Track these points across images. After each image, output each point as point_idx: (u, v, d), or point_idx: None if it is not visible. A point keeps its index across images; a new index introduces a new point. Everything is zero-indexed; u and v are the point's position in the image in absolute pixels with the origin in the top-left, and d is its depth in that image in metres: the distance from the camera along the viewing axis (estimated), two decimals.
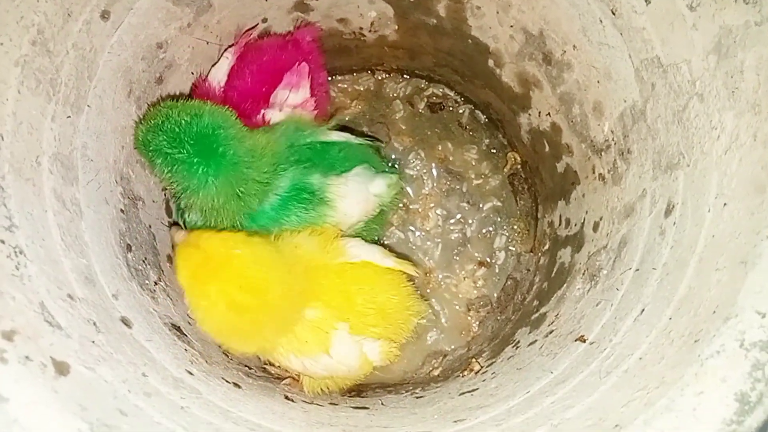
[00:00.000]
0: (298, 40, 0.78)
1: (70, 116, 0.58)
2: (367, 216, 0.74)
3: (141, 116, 0.66)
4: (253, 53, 0.75)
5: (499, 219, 0.91)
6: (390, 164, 0.87)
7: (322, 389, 0.69)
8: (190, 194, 0.63)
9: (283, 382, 0.70)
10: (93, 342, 0.49)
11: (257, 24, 0.77)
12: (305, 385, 0.68)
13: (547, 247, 0.84)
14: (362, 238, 0.72)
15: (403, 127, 0.93)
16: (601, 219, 0.69)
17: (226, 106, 0.66)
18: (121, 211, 0.64)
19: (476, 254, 0.90)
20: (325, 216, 0.67)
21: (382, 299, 0.66)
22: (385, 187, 0.74)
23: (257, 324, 0.59)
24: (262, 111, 0.72)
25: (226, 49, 0.75)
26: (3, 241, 0.47)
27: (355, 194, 0.70)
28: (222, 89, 0.73)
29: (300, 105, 0.75)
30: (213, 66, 0.75)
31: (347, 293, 0.64)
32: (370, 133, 0.91)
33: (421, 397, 0.70)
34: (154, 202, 0.72)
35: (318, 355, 0.63)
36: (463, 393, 0.65)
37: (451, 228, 0.90)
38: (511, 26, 0.73)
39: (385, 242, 0.89)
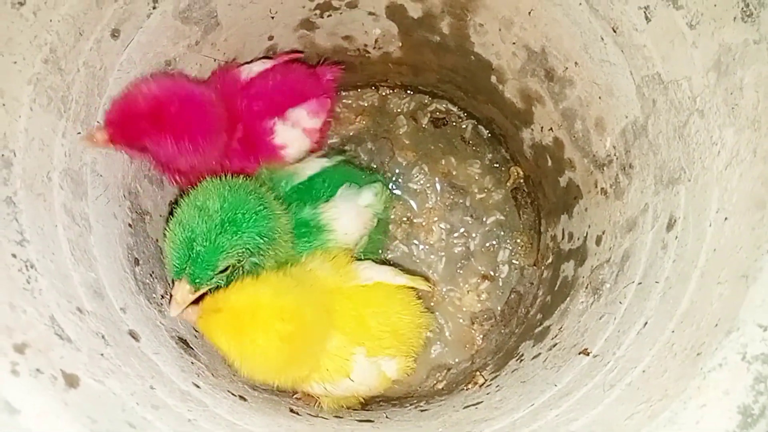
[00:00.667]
0: (319, 75, 0.81)
1: (80, 132, 0.59)
2: (368, 228, 0.75)
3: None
4: (284, 69, 0.78)
5: (502, 233, 0.91)
6: (370, 173, 0.87)
7: (341, 406, 0.70)
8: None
9: (295, 396, 0.70)
10: (102, 355, 0.50)
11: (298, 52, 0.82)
12: (324, 404, 0.69)
13: (550, 260, 0.85)
14: (372, 253, 0.74)
15: (407, 142, 0.94)
16: (603, 233, 0.70)
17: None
18: (129, 225, 0.65)
19: (480, 268, 0.90)
20: (328, 241, 0.69)
21: (394, 319, 0.67)
22: (372, 197, 0.75)
23: (304, 347, 0.60)
24: (275, 120, 0.74)
25: (261, 59, 0.79)
26: (14, 255, 0.48)
27: (347, 212, 0.71)
28: (246, 82, 0.74)
29: (308, 131, 0.77)
30: (245, 64, 0.77)
31: (361, 317, 0.65)
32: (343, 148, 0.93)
33: (425, 410, 0.70)
34: (161, 216, 0.73)
35: (340, 381, 0.64)
36: (468, 406, 0.66)
37: (455, 242, 0.91)
38: (514, 43, 0.74)
39: (389, 256, 0.89)
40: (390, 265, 0.79)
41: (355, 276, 0.67)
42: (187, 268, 0.58)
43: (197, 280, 0.58)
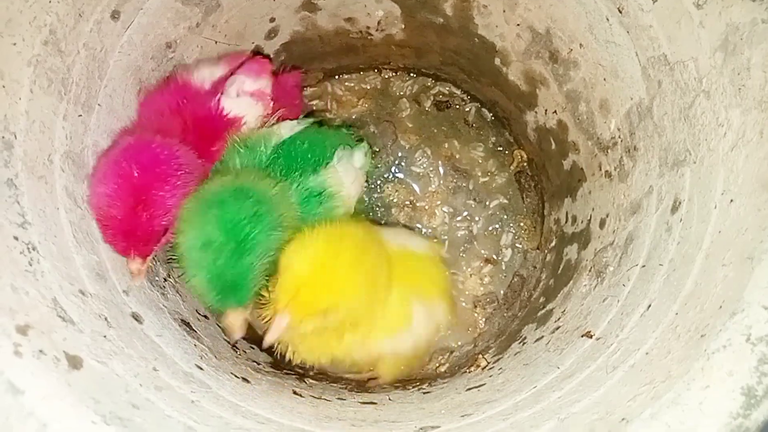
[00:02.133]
0: (282, 83, 0.78)
1: (81, 115, 0.58)
2: (362, 190, 0.76)
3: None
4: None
5: (505, 216, 0.91)
6: (346, 131, 0.86)
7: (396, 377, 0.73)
8: None
9: (365, 375, 0.73)
10: (105, 337, 0.50)
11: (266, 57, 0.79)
12: (384, 374, 0.72)
13: (553, 244, 0.84)
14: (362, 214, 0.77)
15: (410, 126, 0.93)
16: (607, 216, 0.70)
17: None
18: None
19: (483, 251, 0.90)
20: (335, 207, 0.68)
21: (432, 272, 0.74)
22: (364, 158, 0.75)
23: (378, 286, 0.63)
24: (217, 97, 0.69)
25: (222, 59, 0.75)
26: (16, 238, 0.48)
27: (348, 176, 0.71)
28: (208, 89, 0.70)
29: (257, 94, 0.71)
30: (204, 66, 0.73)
31: (408, 272, 0.69)
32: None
33: (428, 392, 0.71)
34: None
35: (402, 334, 0.67)
36: (470, 388, 0.66)
37: (458, 225, 0.90)
38: (518, 25, 0.73)
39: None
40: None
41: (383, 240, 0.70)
42: (230, 299, 0.57)
43: (245, 302, 0.57)
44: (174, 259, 0.59)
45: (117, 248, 0.57)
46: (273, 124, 0.72)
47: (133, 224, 0.56)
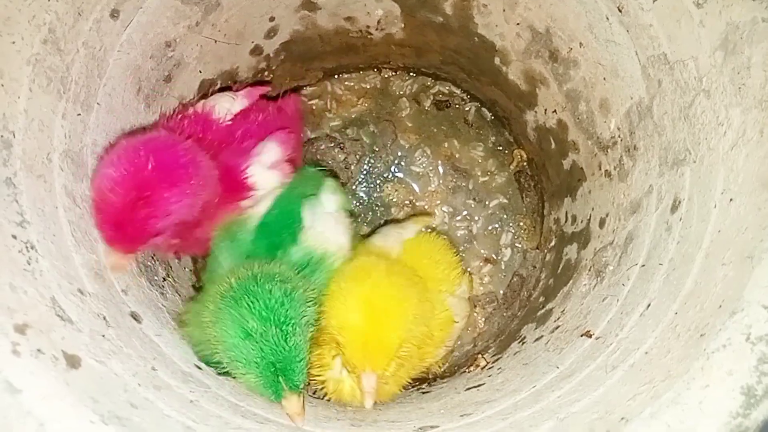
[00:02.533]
0: (283, 108, 0.78)
1: (80, 114, 0.58)
2: (350, 227, 0.72)
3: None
4: (255, 107, 0.74)
5: (505, 216, 0.91)
6: (312, 170, 0.80)
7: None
8: None
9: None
10: (103, 336, 0.50)
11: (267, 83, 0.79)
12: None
13: (553, 243, 0.84)
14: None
15: (410, 125, 0.93)
16: (607, 215, 0.69)
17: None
18: None
19: (482, 251, 0.90)
20: (332, 264, 0.66)
21: (438, 257, 0.75)
22: (334, 197, 0.73)
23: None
24: (249, 161, 0.68)
25: (234, 90, 0.76)
26: (15, 237, 0.48)
27: (327, 227, 0.69)
28: (227, 124, 0.70)
29: (283, 166, 0.71)
30: (216, 96, 0.73)
31: (423, 268, 0.70)
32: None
33: (427, 392, 0.71)
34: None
35: (451, 330, 0.70)
36: (470, 388, 0.66)
37: (458, 225, 0.90)
38: (518, 24, 0.73)
39: None
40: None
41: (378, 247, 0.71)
42: (284, 386, 0.54)
43: (299, 386, 0.55)
44: (221, 369, 0.58)
45: (104, 236, 0.55)
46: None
47: (128, 217, 0.54)
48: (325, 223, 0.68)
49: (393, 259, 0.69)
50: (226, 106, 0.71)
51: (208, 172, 0.61)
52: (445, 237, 0.86)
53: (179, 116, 0.70)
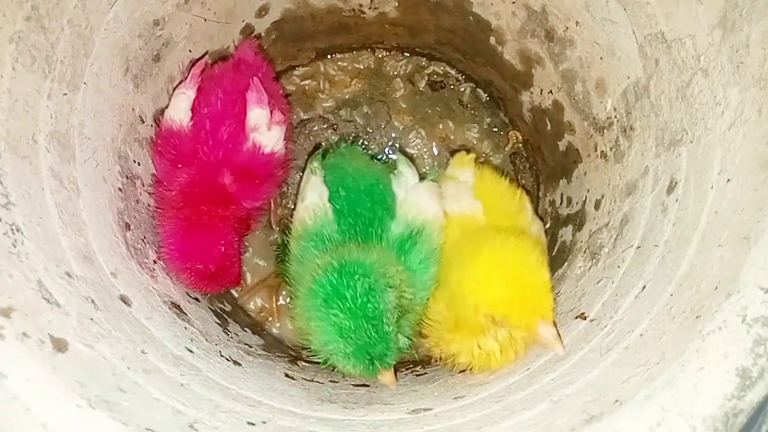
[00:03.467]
0: (244, 58, 0.77)
1: (66, 94, 0.57)
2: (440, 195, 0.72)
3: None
4: (210, 81, 0.73)
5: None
6: (381, 157, 0.85)
7: None
8: None
9: None
10: (91, 319, 0.49)
11: (204, 55, 0.76)
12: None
13: (548, 225, 0.84)
14: None
15: (404, 106, 0.92)
16: (602, 197, 0.69)
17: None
18: (120, 189, 0.64)
19: None
20: (433, 237, 0.67)
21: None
22: (411, 169, 0.74)
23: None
24: (251, 138, 0.70)
25: (174, 89, 0.73)
26: (0, 219, 0.47)
27: (420, 196, 0.70)
28: (189, 125, 0.69)
29: (278, 120, 0.73)
30: (166, 109, 0.71)
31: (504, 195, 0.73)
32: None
33: (421, 374, 0.70)
34: (153, 181, 0.72)
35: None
36: (464, 370, 0.65)
37: None
38: (513, 2, 0.72)
39: None
40: None
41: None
42: (378, 365, 0.58)
43: (392, 362, 0.60)
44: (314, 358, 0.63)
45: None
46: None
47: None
48: (416, 194, 0.70)
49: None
50: (183, 107, 0.70)
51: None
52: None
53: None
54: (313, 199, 0.68)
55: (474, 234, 0.65)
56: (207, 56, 0.76)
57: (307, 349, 0.63)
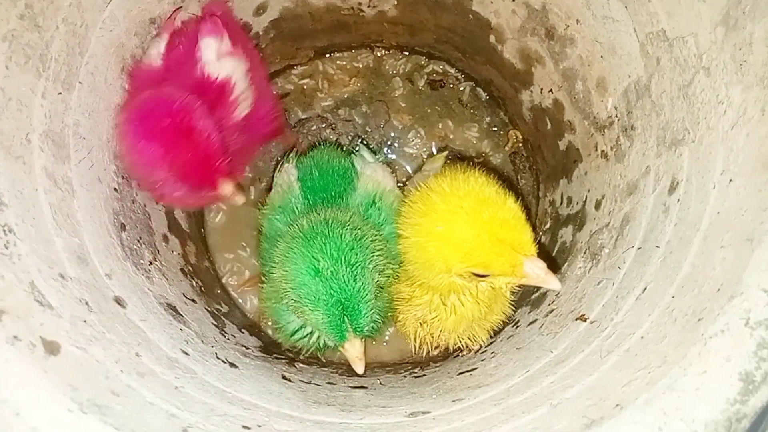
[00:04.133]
0: (212, 11, 0.74)
1: (61, 93, 0.56)
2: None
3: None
4: (181, 32, 0.71)
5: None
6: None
7: None
8: None
9: None
10: (85, 322, 0.48)
11: (177, 8, 0.73)
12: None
13: (548, 226, 0.83)
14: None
15: (403, 105, 0.91)
16: (603, 197, 0.68)
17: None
18: (115, 189, 0.63)
19: None
20: (393, 202, 0.71)
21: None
22: (369, 153, 0.80)
23: None
24: (198, 65, 0.67)
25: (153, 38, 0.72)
26: None
27: (378, 171, 0.75)
28: (160, 65, 0.68)
29: (233, 51, 0.70)
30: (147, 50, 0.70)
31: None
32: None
33: (419, 376, 0.70)
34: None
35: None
36: (462, 372, 0.65)
37: None
38: (513, 0, 0.71)
39: None
40: None
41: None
42: (349, 327, 0.57)
43: (363, 330, 0.58)
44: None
45: (209, 178, 0.62)
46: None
47: (204, 152, 0.61)
48: (373, 169, 0.75)
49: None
50: (154, 52, 0.69)
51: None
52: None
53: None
54: (283, 179, 0.73)
55: (429, 203, 0.60)
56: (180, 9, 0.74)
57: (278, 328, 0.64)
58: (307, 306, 0.57)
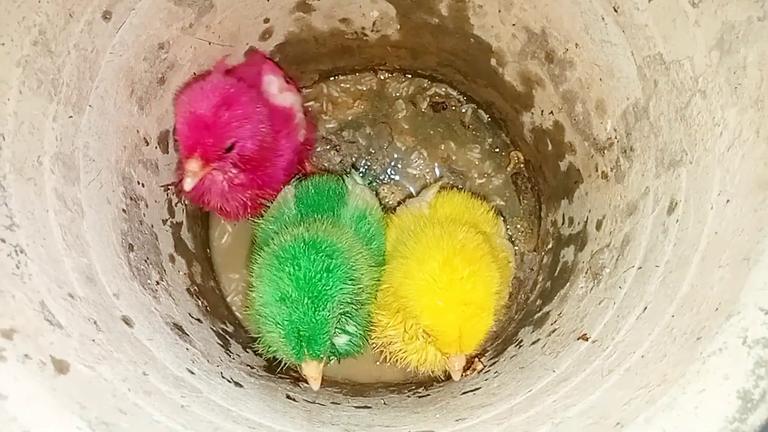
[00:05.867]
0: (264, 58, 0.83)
1: (71, 116, 0.58)
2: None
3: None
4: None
5: (502, 218, 0.90)
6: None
7: None
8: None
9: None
10: (93, 341, 0.49)
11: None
12: None
13: (550, 246, 0.84)
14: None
15: (406, 127, 0.93)
16: (604, 217, 0.69)
17: None
18: (123, 211, 0.64)
19: None
20: (378, 220, 0.74)
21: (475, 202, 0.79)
22: (358, 177, 0.83)
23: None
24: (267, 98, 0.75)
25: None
26: (3, 240, 0.47)
27: (366, 191, 0.78)
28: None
29: (290, 88, 0.79)
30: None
31: (467, 210, 0.76)
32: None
33: (423, 396, 0.70)
34: (156, 202, 0.72)
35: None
36: (466, 392, 0.65)
37: None
38: (513, 25, 0.72)
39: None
40: None
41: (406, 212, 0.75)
42: (306, 352, 0.58)
43: (320, 355, 0.59)
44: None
45: (188, 142, 0.64)
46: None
47: (213, 119, 0.64)
48: (362, 189, 0.78)
49: (465, 228, 0.68)
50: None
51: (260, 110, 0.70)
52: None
53: None
54: (281, 195, 0.75)
55: (444, 233, 0.65)
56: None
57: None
58: (267, 324, 0.58)
